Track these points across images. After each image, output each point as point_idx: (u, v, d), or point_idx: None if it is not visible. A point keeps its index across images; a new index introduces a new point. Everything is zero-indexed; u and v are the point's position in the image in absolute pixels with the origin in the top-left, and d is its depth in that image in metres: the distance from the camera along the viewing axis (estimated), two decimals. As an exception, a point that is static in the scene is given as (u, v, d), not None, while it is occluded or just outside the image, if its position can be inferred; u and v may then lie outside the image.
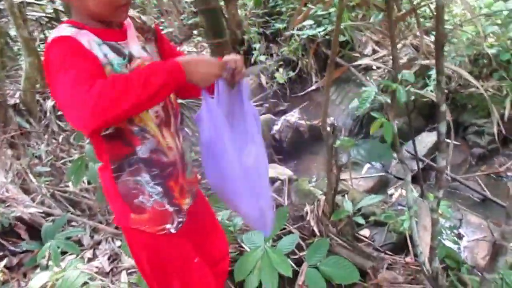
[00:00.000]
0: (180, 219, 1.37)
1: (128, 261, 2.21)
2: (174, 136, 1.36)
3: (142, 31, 1.34)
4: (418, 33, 4.19)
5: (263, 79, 5.21)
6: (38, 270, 2.22)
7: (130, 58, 1.21)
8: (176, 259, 1.40)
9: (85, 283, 2.05)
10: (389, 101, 1.63)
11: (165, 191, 1.32)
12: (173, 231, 1.35)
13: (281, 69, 5.24)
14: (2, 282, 2.14)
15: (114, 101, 0.98)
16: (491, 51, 3.66)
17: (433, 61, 1.28)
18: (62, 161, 3.10)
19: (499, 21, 3.77)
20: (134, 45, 1.26)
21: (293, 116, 4.25)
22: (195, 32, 6.35)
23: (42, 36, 5.20)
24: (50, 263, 2.18)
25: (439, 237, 2.06)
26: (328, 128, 2.39)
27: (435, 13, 1.21)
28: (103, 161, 1.29)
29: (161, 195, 1.31)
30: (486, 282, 1.72)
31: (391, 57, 4.54)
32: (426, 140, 3.94)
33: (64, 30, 1.10)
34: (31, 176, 2.86)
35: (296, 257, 2.41)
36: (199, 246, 1.52)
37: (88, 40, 1.11)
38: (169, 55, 1.39)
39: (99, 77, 1.02)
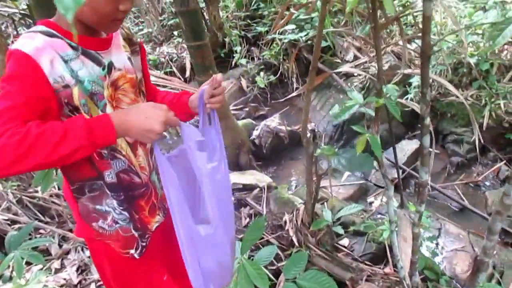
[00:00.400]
0: (144, 243, 1.29)
1: (97, 273, 2.10)
2: (148, 153, 1.27)
3: (130, 42, 1.25)
4: (400, 41, 4.19)
5: (244, 83, 5.15)
6: (0, 282, 2.09)
7: (110, 68, 1.11)
8: (142, 280, 1.31)
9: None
10: (373, 114, 1.57)
11: (131, 216, 1.24)
12: (136, 256, 1.27)
13: (262, 73, 5.19)
14: (-39, 294, 2.01)
15: (16, 158, 0.87)
16: (472, 60, 3.67)
17: (416, 71, 1.24)
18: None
19: (479, 31, 3.79)
20: (118, 55, 1.16)
21: (273, 121, 4.19)
22: (175, 33, 6.23)
23: (15, 32, 5.02)
24: (14, 274, 2.06)
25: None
26: (309, 135, 2.33)
27: (418, 21, 1.16)
28: (63, 177, 1.18)
29: (128, 220, 1.23)
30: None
31: (372, 64, 4.52)
32: (406, 147, 3.94)
33: (30, 40, 0.98)
34: (-3, 180, 2.73)
35: (273, 267, 2.35)
36: (170, 261, 1.44)
37: (52, 59, 0.98)
38: (146, 78, 1.33)
39: (26, 119, 0.91)
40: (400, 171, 2.39)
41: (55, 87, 0.99)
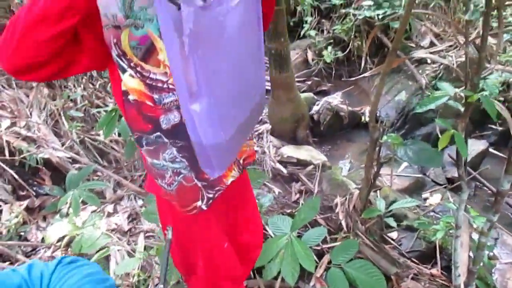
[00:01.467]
0: (211, 195, 1.21)
1: (147, 224, 2.15)
2: None
3: None
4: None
5: (310, 55, 5.00)
6: (57, 216, 2.19)
7: None
8: (204, 241, 1.30)
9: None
10: (462, 109, 1.45)
11: (192, 163, 1.12)
12: (204, 207, 1.20)
13: (329, 48, 5.01)
14: (21, 222, 2.12)
15: (8, 37, 0.83)
16: None
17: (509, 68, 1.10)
18: (96, 110, 3.03)
19: None
20: None
21: (335, 99, 4.06)
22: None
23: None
24: (70, 211, 2.14)
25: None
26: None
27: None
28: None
29: (189, 168, 1.14)
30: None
31: (449, 53, 4.21)
32: (472, 147, 3.70)
33: None
34: (63, 119, 2.82)
35: (318, 248, 2.31)
36: (232, 230, 1.42)
37: None
38: None
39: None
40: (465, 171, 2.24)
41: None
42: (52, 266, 0.86)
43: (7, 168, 2.31)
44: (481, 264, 2.51)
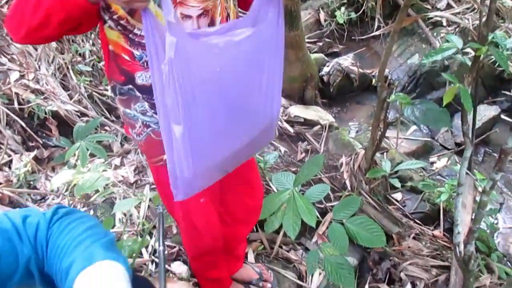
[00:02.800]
0: None
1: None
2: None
3: None
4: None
5: (322, 16, 4.87)
6: (66, 167, 2.23)
7: None
8: (165, 194, 1.29)
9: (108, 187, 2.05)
10: (469, 63, 1.41)
11: None
12: None
13: (342, 8, 4.87)
14: (30, 171, 2.17)
15: (17, 25, 0.90)
16: None
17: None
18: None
19: None
20: None
21: (346, 61, 3.99)
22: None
23: None
24: (78, 162, 2.18)
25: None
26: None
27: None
28: None
29: (159, 125, 1.09)
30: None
31: (465, 16, 4.11)
32: (483, 113, 3.65)
33: None
34: (71, 73, 2.82)
35: (321, 206, 2.33)
36: (222, 191, 1.44)
37: None
38: None
39: None
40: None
41: None
42: (48, 216, 0.84)
43: (17, 118, 2.33)
44: (482, 224, 2.53)
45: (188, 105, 0.96)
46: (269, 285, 1.83)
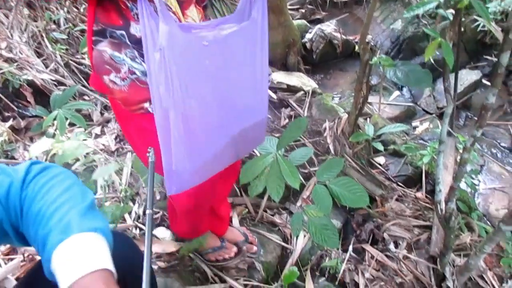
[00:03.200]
0: None
1: (134, 144, 2.15)
2: (202, 18, 1.15)
3: None
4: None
5: (304, -18, 4.79)
6: (44, 137, 2.18)
7: None
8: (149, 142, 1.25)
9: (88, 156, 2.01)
10: (451, 18, 1.39)
11: None
12: (150, 110, 1.13)
13: (325, -26, 4.79)
14: (7, 141, 2.11)
15: None
16: None
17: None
18: (79, 29, 2.92)
19: None
20: None
21: (329, 27, 3.94)
22: None
23: None
24: (57, 132, 2.13)
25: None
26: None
27: None
28: (88, 16, 1.08)
29: (143, 72, 1.09)
30: (500, 233, 1.62)
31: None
32: (465, 77, 3.67)
33: None
34: (46, 41, 2.72)
35: (305, 171, 2.33)
36: None
37: None
38: None
39: None
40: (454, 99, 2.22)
41: None
42: (21, 176, 0.78)
43: (-10, 87, 2.26)
44: (463, 185, 2.57)
45: (180, 94, 0.99)
46: (254, 247, 1.84)
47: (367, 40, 3.93)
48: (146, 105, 1.13)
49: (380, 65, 2.17)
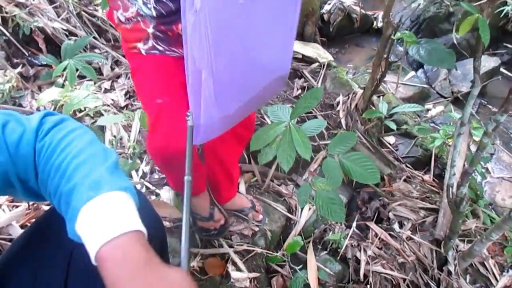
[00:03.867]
0: (161, 48, 1.12)
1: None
2: None
3: None
4: None
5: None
6: (53, 87, 2.13)
7: None
8: (145, 88, 1.22)
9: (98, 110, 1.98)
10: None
11: (159, 19, 1.08)
12: (143, 52, 1.12)
13: None
14: (16, 88, 2.06)
15: None
16: None
17: None
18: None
19: None
20: None
21: (348, 0, 3.83)
22: None
23: None
24: (67, 82, 2.08)
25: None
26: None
27: None
28: None
29: (154, 20, 1.08)
30: (510, 221, 1.60)
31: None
32: (483, 63, 3.57)
33: None
34: (59, -12, 2.64)
35: (315, 143, 2.30)
36: None
37: None
38: None
39: None
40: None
41: None
42: (34, 125, 0.71)
43: (3, 29, 2.19)
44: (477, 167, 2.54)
45: (213, 54, 0.99)
46: (260, 216, 1.83)
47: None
48: (140, 45, 1.12)
49: (403, 41, 2.11)
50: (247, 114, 1.34)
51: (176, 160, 1.21)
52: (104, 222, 0.61)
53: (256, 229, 1.78)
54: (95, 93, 2.09)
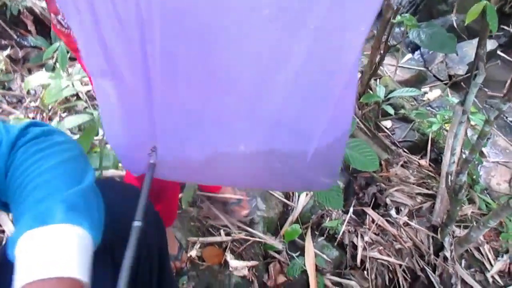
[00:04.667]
0: None
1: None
2: None
3: None
4: None
5: None
6: (43, 70, 2.07)
7: None
8: None
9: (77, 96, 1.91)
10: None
11: None
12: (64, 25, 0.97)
13: None
14: (4, 71, 2.00)
15: None
16: None
17: None
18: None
19: None
20: None
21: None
22: None
23: None
24: (58, 65, 2.02)
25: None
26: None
27: None
28: None
29: None
30: (508, 209, 1.60)
31: None
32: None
33: None
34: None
35: (311, 128, 2.27)
36: None
37: None
38: None
39: None
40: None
41: None
42: (13, 136, 0.63)
43: (-14, 12, 2.11)
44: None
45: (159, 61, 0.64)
46: (244, 211, 1.77)
47: (385, -3, 3.76)
48: (59, 17, 0.96)
49: (401, 23, 2.07)
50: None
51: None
52: (37, 259, 0.55)
53: (253, 216, 1.76)
54: (84, 76, 2.03)
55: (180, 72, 0.66)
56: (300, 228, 1.86)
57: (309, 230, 1.88)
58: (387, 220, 2.02)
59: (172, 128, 0.75)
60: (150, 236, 0.66)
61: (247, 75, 0.67)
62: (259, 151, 0.78)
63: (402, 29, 2.01)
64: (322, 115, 0.74)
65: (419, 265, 1.90)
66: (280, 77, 0.66)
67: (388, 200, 2.09)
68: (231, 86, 0.68)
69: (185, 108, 0.72)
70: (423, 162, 2.47)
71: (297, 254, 1.79)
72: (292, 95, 0.70)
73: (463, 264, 1.99)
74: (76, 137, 1.67)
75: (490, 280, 1.95)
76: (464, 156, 2.08)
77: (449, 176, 1.70)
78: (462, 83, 2.99)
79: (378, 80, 2.87)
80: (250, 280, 1.53)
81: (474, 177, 2.40)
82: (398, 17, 2.06)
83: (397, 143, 2.53)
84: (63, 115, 1.84)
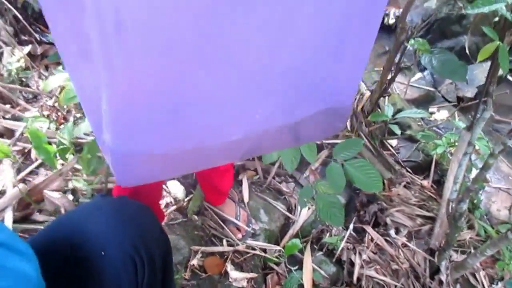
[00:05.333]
0: None
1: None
2: None
3: None
4: None
5: None
6: (60, 67, 2.11)
7: None
8: None
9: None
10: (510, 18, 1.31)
11: None
12: None
13: None
14: (23, 68, 2.04)
15: None
16: None
17: None
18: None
19: None
20: None
21: (362, -6, 3.77)
22: None
23: None
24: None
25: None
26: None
27: None
28: None
29: None
30: (506, 240, 1.63)
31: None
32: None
33: None
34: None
35: (317, 142, 2.30)
36: None
37: None
38: None
39: None
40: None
41: None
42: None
43: (10, 6, 2.15)
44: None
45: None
46: (239, 235, 1.77)
47: (397, 14, 3.78)
48: None
49: (415, 47, 2.10)
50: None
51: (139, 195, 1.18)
52: None
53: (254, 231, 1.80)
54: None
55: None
56: (300, 242, 1.90)
57: (309, 244, 1.92)
58: (386, 240, 2.05)
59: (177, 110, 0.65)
60: (154, 251, 0.69)
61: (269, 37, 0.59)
62: (276, 115, 0.72)
63: (415, 46, 2.04)
64: (346, 55, 0.69)
65: (414, 287, 1.93)
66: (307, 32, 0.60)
67: (388, 220, 2.12)
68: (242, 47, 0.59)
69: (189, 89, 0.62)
70: (425, 183, 2.50)
71: (296, 268, 1.83)
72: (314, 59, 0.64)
73: (457, 288, 2.02)
74: (90, 138, 1.71)
75: (483, 306, 1.98)
76: (467, 183, 2.12)
77: (450, 203, 1.73)
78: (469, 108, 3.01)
79: (386, 97, 2.89)
80: (249, 291, 1.57)
81: (475, 201, 2.43)
82: (412, 41, 2.09)
83: (401, 163, 2.56)
84: (78, 115, 1.88)
